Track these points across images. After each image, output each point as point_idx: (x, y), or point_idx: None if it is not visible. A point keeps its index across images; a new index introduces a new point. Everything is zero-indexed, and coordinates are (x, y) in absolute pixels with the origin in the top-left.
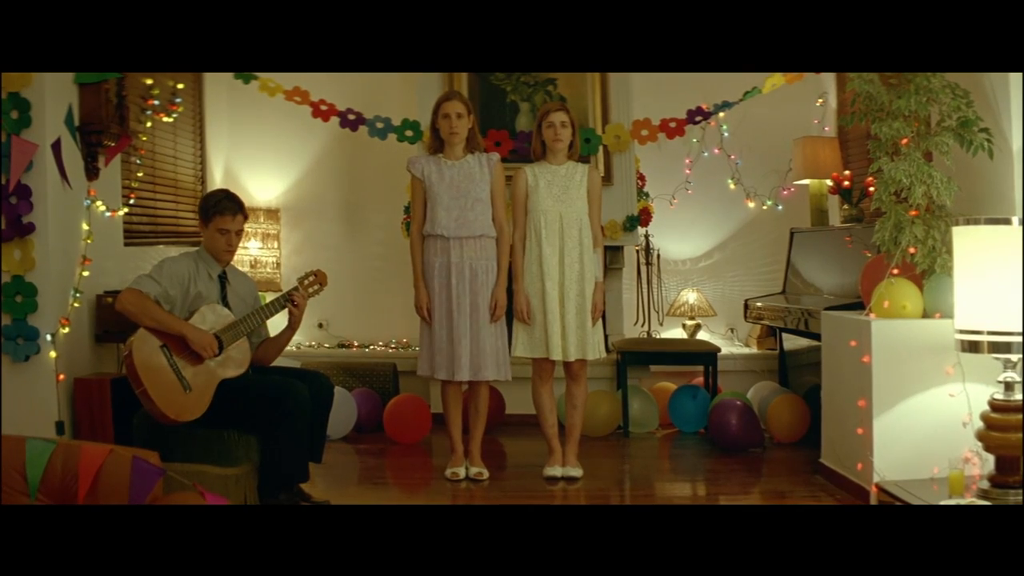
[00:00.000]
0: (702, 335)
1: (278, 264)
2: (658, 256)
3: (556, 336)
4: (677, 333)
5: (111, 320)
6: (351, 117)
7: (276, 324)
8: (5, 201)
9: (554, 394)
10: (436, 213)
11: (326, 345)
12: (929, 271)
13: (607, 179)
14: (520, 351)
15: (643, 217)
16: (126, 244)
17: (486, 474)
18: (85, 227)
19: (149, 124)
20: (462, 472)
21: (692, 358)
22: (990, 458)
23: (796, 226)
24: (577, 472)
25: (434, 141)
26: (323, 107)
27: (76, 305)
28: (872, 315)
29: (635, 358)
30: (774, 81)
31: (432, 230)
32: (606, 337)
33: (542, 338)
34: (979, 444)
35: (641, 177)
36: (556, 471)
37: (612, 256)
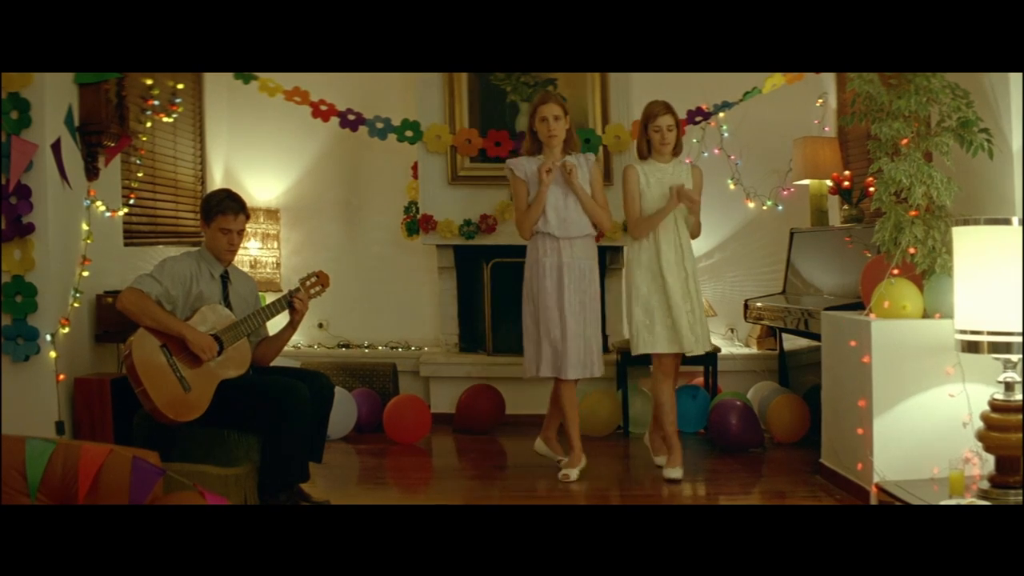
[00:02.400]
0: None
1: (278, 264)
2: None
3: (686, 331)
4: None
5: (111, 320)
6: (351, 117)
7: (276, 324)
8: (5, 201)
9: (674, 390)
10: (547, 213)
11: (326, 345)
12: (929, 271)
13: (607, 179)
14: (643, 348)
15: None
16: (126, 244)
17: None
18: (85, 227)
19: (149, 124)
20: (575, 474)
21: (692, 358)
22: (990, 458)
23: (796, 226)
24: (678, 474)
25: (532, 144)
26: (323, 107)
27: (76, 305)
28: (872, 315)
29: (635, 358)
30: (774, 81)
31: (544, 229)
32: (605, 337)
33: (666, 333)
34: (979, 444)
35: None
36: (678, 472)
37: (612, 256)
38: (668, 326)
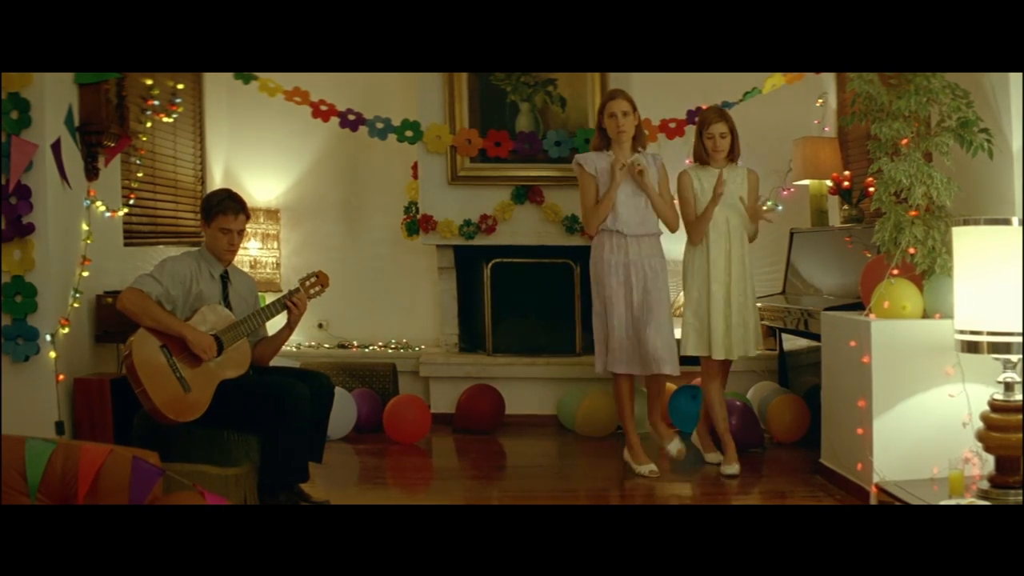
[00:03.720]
0: None
1: (278, 264)
2: None
3: (720, 336)
4: (677, 333)
5: (111, 320)
6: (351, 117)
7: (275, 323)
8: (5, 201)
9: (723, 391)
10: (616, 210)
11: (326, 345)
12: (929, 271)
13: None
14: (691, 349)
15: None
16: (126, 244)
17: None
18: (85, 227)
19: (149, 124)
20: (647, 468)
21: (692, 358)
22: (990, 458)
23: (796, 226)
24: (734, 469)
25: (601, 140)
26: (323, 107)
27: (76, 305)
28: (872, 315)
29: None
30: (774, 81)
31: (612, 226)
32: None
33: (702, 337)
34: (979, 444)
35: None
36: (735, 468)
37: None
38: (705, 330)
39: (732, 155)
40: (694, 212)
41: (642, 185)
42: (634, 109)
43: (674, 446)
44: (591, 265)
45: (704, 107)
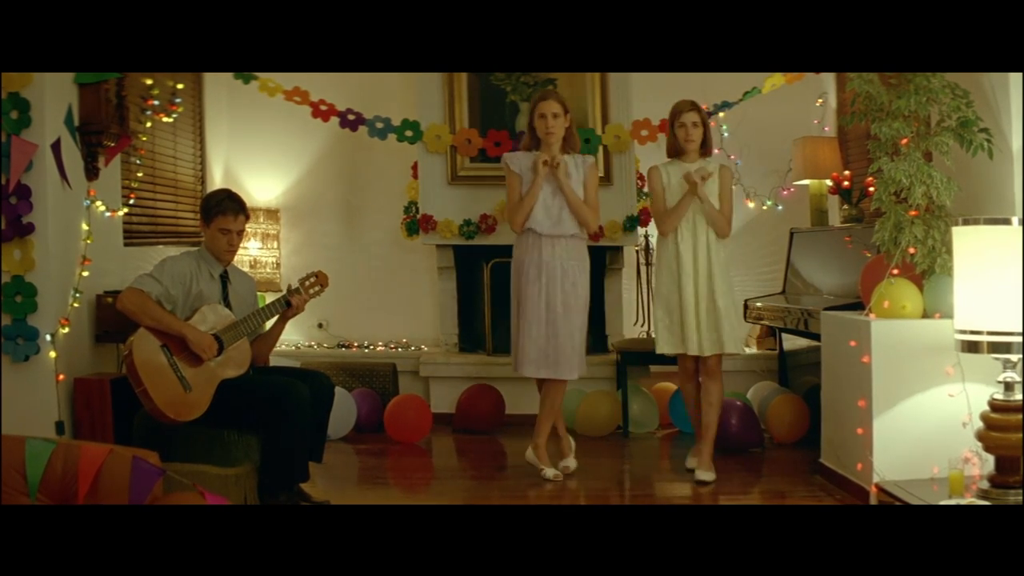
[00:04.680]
0: None
1: (278, 264)
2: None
3: (692, 332)
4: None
5: (111, 320)
6: (351, 117)
7: (272, 323)
8: (5, 201)
9: (721, 391)
10: (534, 210)
11: (326, 345)
12: (929, 271)
13: (607, 179)
14: (659, 347)
15: (643, 217)
16: (126, 244)
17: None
18: (85, 227)
19: (149, 124)
20: (551, 472)
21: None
22: (990, 458)
23: (796, 226)
24: (708, 476)
25: (531, 140)
26: (323, 107)
27: (76, 305)
28: (872, 315)
29: (635, 358)
30: (774, 81)
31: (529, 224)
32: (605, 337)
33: (675, 333)
34: (979, 444)
35: (641, 177)
36: (709, 475)
37: (612, 256)
38: (678, 327)
39: (705, 149)
40: (663, 205)
41: (561, 185)
42: (566, 112)
43: (550, 471)
44: (512, 265)
45: (704, 107)
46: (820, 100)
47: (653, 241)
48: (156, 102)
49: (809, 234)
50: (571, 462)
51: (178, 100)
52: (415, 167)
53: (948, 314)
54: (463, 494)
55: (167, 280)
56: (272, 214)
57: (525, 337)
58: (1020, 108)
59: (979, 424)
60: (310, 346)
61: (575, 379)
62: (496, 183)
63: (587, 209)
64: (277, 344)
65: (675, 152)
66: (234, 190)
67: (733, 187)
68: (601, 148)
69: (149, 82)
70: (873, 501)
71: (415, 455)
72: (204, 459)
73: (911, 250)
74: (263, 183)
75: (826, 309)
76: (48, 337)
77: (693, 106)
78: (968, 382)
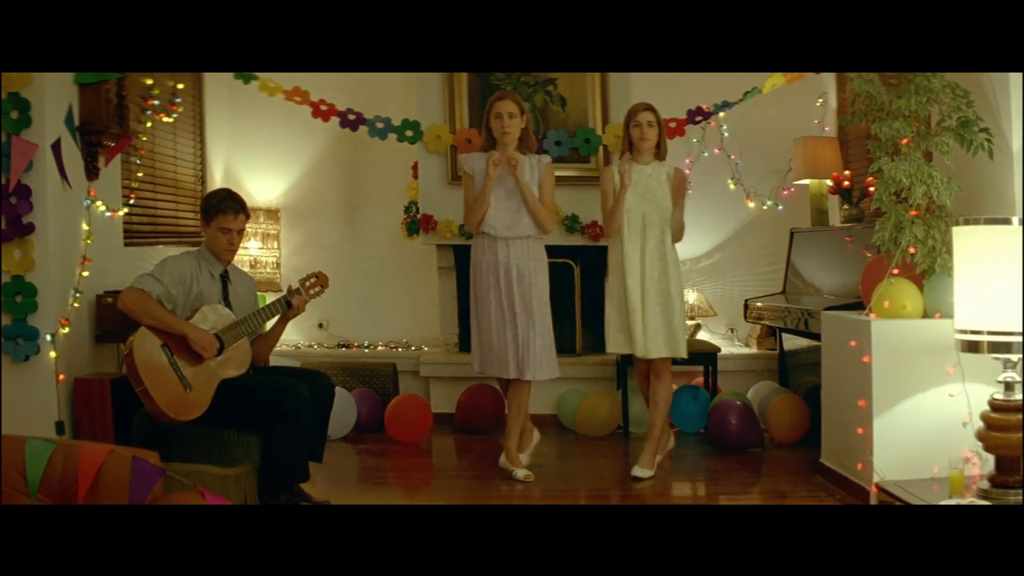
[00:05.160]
0: (702, 335)
1: (278, 264)
2: None
3: (639, 333)
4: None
5: (111, 320)
6: (351, 117)
7: (271, 323)
8: (5, 201)
9: (669, 389)
10: (488, 212)
11: (326, 345)
12: (929, 271)
13: None
14: (611, 347)
15: None
16: (126, 244)
17: (532, 476)
18: (85, 227)
19: (149, 124)
20: (522, 472)
21: (692, 358)
22: (990, 458)
23: (796, 226)
24: (643, 473)
25: (487, 140)
26: (323, 107)
27: (76, 305)
28: (872, 315)
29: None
30: (774, 81)
31: (482, 227)
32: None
33: (623, 334)
34: (979, 444)
35: None
36: (645, 472)
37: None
38: (625, 327)
39: (659, 152)
40: (612, 204)
41: (518, 184)
42: (522, 112)
43: (521, 472)
44: (470, 265)
45: (704, 107)
46: (820, 100)
47: None
48: (156, 102)
49: (809, 234)
50: (520, 472)
51: (178, 100)
52: (415, 167)
53: (948, 314)
54: (463, 494)
55: (168, 280)
56: (272, 214)
57: (486, 339)
58: (1020, 108)
59: (979, 424)
60: (310, 346)
61: (547, 379)
62: None
63: (544, 210)
64: (277, 344)
65: (628, 151)
66: (234, 190)
67: (688, 192)
68: (601, 148)
69: (149, 82)
70: (873, 501)
71: (415, 455)
72: (204, 459)
73: (911, 250)
74: (263, 183)
75: (826, 309)
76: (48, 337)
77: (649, 107)
78: (968, 382)
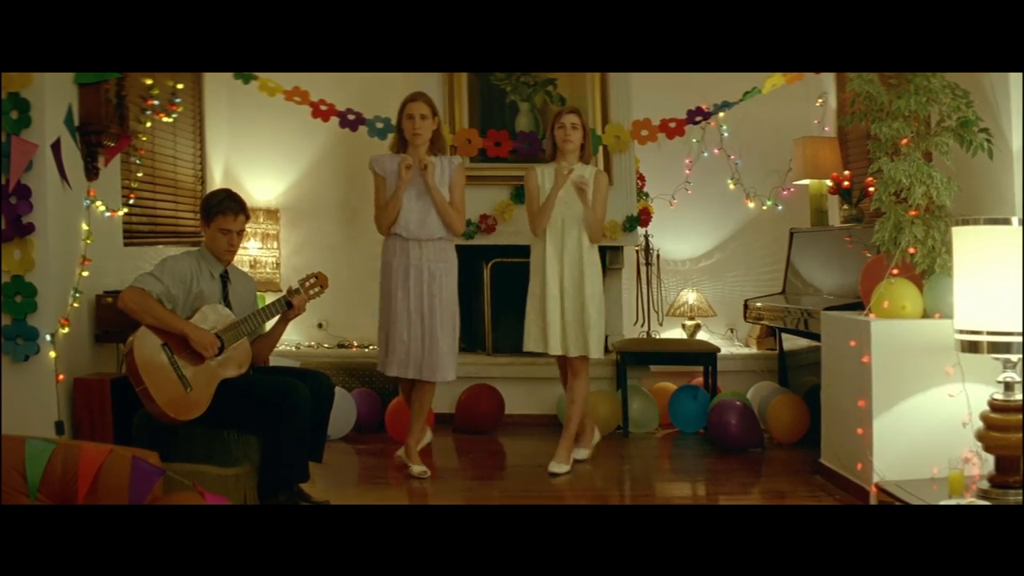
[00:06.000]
0: (702, 335)
1: (278, 264)
2: (658, 256)
3: (556, 332)
4: (677, 333)
5: (111, 320)
6: (351, 117)
7: (270, 323)
8: (5, 201)
9: (584, 387)
10: (399, 214)
11: (326, 345)
12: (929, 271)
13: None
14: (529, 345)
15: (643, 217)
16: (126, 244)
17: (428, 472)
18: (85, 227)
19: (149, 124)
20: (419, 469)
21: (692, 358)
22: (990, 458)
23: (796, 226)
24: (560, 468)
25: (399, 142)
26: (323, 107)
27: (76, 305)
28: (872, 315)
29: (635, 358)
30: (774, 81)
31: (393, 229)
32: (605, 337)
33: (540, 333)
34: (979, 444)
35: (641, 177)
36: (562, 467)
37: (612, 256)
38: (543, 326)
39: (583, 155)
40: (535, 206)
41: (429, 188)
42: (434, 114)
43: (418, 468)
44: (380, 266)
45: (704, 107)
46: (820, 100)
47: (653, 241)
48: (156, 102)
49: (809, 234)
50: (581, 452)
51: (178, 100)
52: None
53: (948, 314)
54: (463, 494)
55: (168, 279)
56: (272, 214)
57: (396, 340)
58: (1020, 108)
59: (979, 424)
60: (310, 346)
61: (451, 380)
62: (496, 183)
63: (453, 212)
64: (277, 344)
65: (553, 153)
66: (234, 190)
67: (608, 194)
68: (601, 148)
69: (149, 82)
70: (873, 501)
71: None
72: (204, 459)
73: (911, 250)
74: (263, 183)
75: (826, 309)
76: (48, 337)
77: (574, 110)
78: (968, 382)
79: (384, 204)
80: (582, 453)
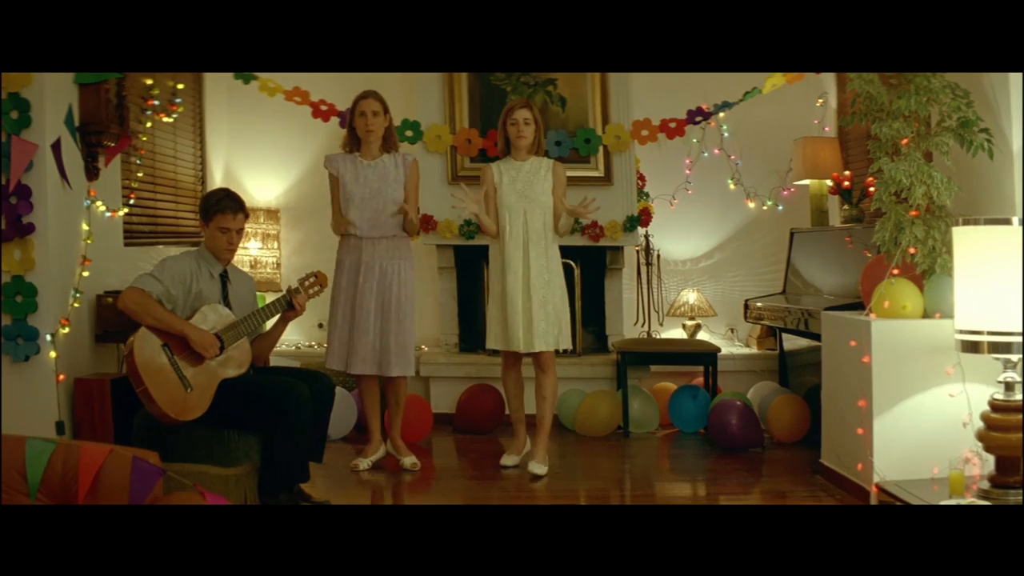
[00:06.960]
0: (702, 335)
1: (278, 264)
2: (658, 256)
3: (518, 329)
4: (677, 333)
5: (111, 320)
6: None
7: (270, 323)
8: (5, 201)
9: (522, 381)
10: (349, 212)
11: (326, 345)
12: (929, 271)
13: (607, 179)
14: (491, 342)
15: (643, 217)
16: (126, 244)
17: (419, 463)
18: (85, 227)
19: (149, 124)
20: (364, 464)
21: (692, 358)
22: (990, 458)
23: (796, 226)
24: (540, 470)
25: (351, 139)
26: (323, 107)
27: (76, 305)
28: (872, 315)
29: (635, 358)
30: (774, 81)
31: (347, 229)
32: (605, 337)
33: (502, 330)
34: (979, 444)
35: (641, 177)
36: (511, 460)
37: (612, 256)
38: (505, 323)
39: (537, 149)
40: (494, 205)
41: (408, 223)
42: (385, 111)
43: (408, 460)
44: (335, 264)
45: (704, 107)
46: (820, 100)
47: (654, 241)
48: (156, 102)
49: (809, 234)
50: (408, 460)
51: (178, 100)
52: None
53: (948, 314)
54: (463, 494)
55: (168, 280)
56: (272, 214)
57: (356, 336)
58: (1020, 108)
59: (979, 424)
60: (310, 346)
61: (410, 375)
62: None
63: (417, 217)
64: (277, 344)
65: (506, 149)
66: (234, 190)
67: (567, 185)
68: (601, 148)
69: (149, 82)
70: (873, 501)
71: (415, 455)
72: (204, 459)
73: (911, 250)
74: (263, 183)
75: (826, 309)
76: (48, 337)
77: (526, 104)
78: (968, 382)
79: (338, 208)
80: (512, 460)
